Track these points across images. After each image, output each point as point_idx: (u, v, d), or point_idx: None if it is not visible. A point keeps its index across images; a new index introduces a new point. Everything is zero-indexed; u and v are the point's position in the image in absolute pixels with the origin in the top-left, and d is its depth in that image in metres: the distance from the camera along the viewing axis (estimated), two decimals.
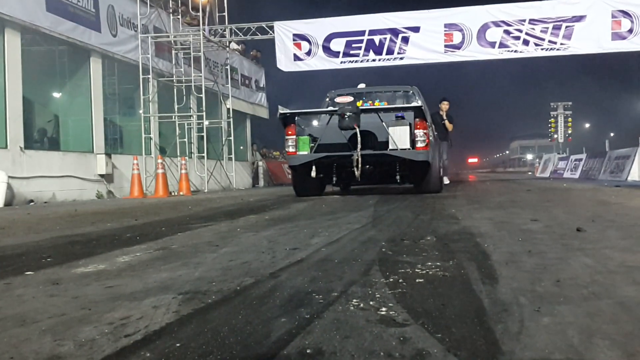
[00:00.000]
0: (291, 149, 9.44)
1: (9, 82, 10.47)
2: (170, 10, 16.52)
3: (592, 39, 15.85)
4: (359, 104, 10.29)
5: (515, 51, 16.10)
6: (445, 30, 16.26)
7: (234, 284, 2.27)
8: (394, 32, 16.23)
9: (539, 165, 33.07)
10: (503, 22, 16.05)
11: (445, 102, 14.65)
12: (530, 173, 39.19)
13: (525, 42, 16.02)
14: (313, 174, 9.22)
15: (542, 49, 16.02)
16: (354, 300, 1.97)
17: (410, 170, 9.57)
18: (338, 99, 9.16)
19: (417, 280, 2.28)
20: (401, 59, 16.30)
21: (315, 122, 10.58)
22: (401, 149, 8.99)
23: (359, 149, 8.74)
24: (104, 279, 2.48)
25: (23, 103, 10.81)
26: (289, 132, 9.39)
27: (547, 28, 15.90)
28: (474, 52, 16.30)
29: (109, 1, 13.54)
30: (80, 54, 12.78)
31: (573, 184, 14.15)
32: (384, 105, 10.20)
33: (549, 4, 16.07)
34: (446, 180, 14.40)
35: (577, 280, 2.23)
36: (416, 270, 2.50)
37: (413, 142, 9.02)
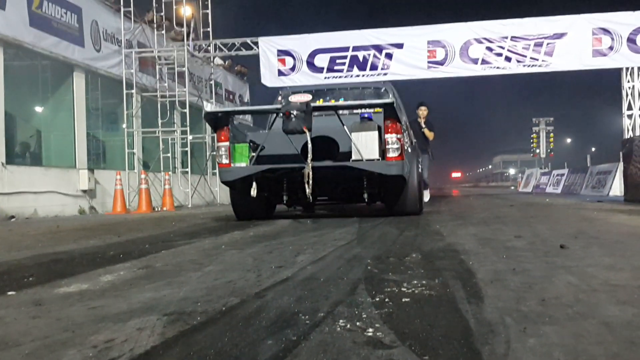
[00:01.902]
0: (224, 160, 7.32)
1: None
2: (155, 26, 16.51)
3: (573, 56, 16.10)
4: (320, 102, 8.91)
5: (498, 67, 16.30)
6: (428, 47, 16.44)
7: (219, 304, 2.25)
8: (378, 48, 16.37)
9: (522, 180, 33.33)
10: (485, 39, 16.26)
11: (424, 108, 12.70)
12: (512, 188, 39.50)
13: (507, 59, 16.24)
14: (253, 192, 7.03)
15: (524, 66, 16.24)
16: (341, 320, 1.96)
17: (380, 187, 7.62)
18: (293, 98, 7.06)
19: (403, 300, 2.28)
20: (385, 74, 16.41)
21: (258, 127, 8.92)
22: (367, 160, 6.95)
23: (309, 160, 6.62)
24: (87, 299, 2.45)
25: (5, 118, 10.73)
26: (221, 138, 7.33)
27: (529, 45, 16.13)
28: (456, 69, 16.48)
29: (92, 16, 13.51)
30: (64, 68, 12.72)
31: (555, 199, 14.28)
32: (345, 102, 8.47)
33: (530, 21, 16.31)
34: (426, 197, 12.35)
35: (561, 299, 2.24)
36: (402, 289, 2.50)
37: (383, 151, 7.01)
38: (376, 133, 7.01)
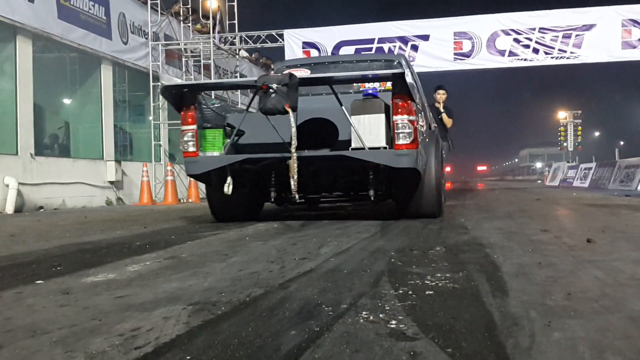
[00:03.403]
0: (190, 148, 5.84)
1: (20, 89, 10.54)
2: (181, 18, 16.61)
3: (602, 48, 15.85)
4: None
5: (525, 59, 16.12)
6: (454, 39, 16.31)
7: (243, 295, 2.27)
8: (404, 40, 16.28)
9: (549, 174, 32.94)
10: (513, 30, 16.08)
11: (442, 91, 11.25)
12: (539, 181, 39.08)
13: (535, 51, 16.04)
14: (227, 188, 5.63)
15: (552, 58, 16.04)
16: (364, 312, 1.97)
17: (389, 182, 6.12)
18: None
19: (426, 292, 2.27)
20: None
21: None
22: (371, 149, 5.50)
23: (293, 148, 5.21)
24: (114, 288, 2.48)
25: (34, 110, 10.89)
26: (187, 120, 5.84)
27: (557, 37, 15.91)
28: (483, 61, 16.33)
29: (120, 9, 13.62)
30: (91, 61, 12.86)
31: (583, 193, 14.10)
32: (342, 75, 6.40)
33: (559, 12, 16.09)
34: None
35: (587, 293, 2.21)
36: (426, 281, 2.50)
37: (392, 136, 5.53)
38: (382, 115, 5.56)
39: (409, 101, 5.45)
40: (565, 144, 44.03)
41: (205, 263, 3.20)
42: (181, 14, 16.65)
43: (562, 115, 44.65)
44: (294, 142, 5.22)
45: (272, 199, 6.25)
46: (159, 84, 5.95)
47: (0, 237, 5.15)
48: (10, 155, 10.25)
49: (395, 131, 5.45)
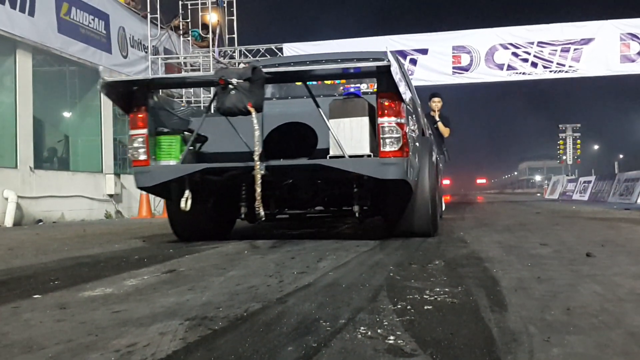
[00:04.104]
0: (140, 156, 5.05)
1: (20, 102, 10.56)
2: (181, 32, 16.67)
3: (600, 62, 15.92)
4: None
5: (524, 73, 16.18)
6: (453, 53, 16.37)
7: (240, 310, 2.26)
8: (402, 54, 16.32)
9: (548, 187, 32.97)
10: (511, 44, 16.16)
11: (437, 99, 10.58)
12: (539, 194, 39.09)
13: (534, 65, 16.10)
14: (184, 203, 4.86)
15: (550, 71, 16.10)
16: (362, 327, 1.96)
17: (376, 196, 5.27)
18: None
19: (425, 307, 2.26)
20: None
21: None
22: (352, 157, 4.73)
23: (256, 155, 4.47)
24: (111, 303, 2.47)
25: (34, 123, 10.90)
26: (138, 123, 5.03)
27: (556, 50, 15.98)
28: (482, 74, 16.38)
29: (120, 23, 13.68)
30: (91, 74, 12.90)
31: (582, 207, 14.09)
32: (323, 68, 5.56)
33: (557, 26, 16.17)
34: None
35: (587, 308, 2.20)
36: (424, 296, 2.49)
37: (376, 142, 4.75)
38: (365, 118, 4.79)
39: (397, 101, 4.69)
40: (564, 157, 44.05)
41: (203, 277, 3.18)
42: (181, 27, 16.71)
43: (561, 128, 44.73)
44: (258, 149, 4.48)
45: (243, 216, 5.35)
46: (99, 80, 4.95)
47: None
48: (9, 168, 10.25)
49: (381, 136, 4.68)
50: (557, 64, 16.01)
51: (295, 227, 7.38)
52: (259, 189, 4.47)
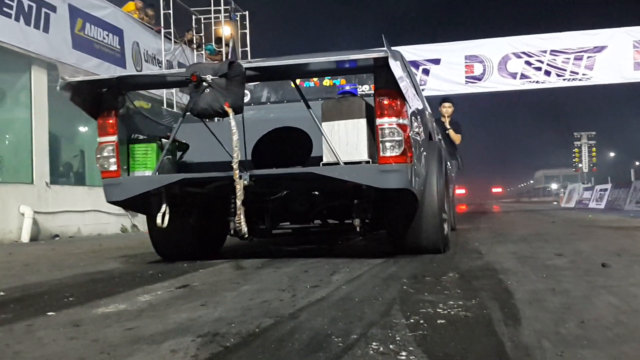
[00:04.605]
0: (110, 166, 4.58)
1: (36, 118, 10.67)
2: (194, 46, 16.79)
3: (614, 69, 15.84)
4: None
5: (537, 82, 16.13)
6: (466, 62, 16.36)
7: (252, 326, 2.25)
8: (414, 64, 16.34)
9: (564, 195, 32.72)
10: (524, 53, 16.12)
11: (448, 104, 10.01)
12: (555, 203, 38.80)
13: (547, 73, 16.05)
14: (159, 219, 4.39)
15: (564, 80, 16.04)
16: (374, 343, 1.95)
17: (377, 208, 4.74)
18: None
19: (438, 322, 2.25)
20: (422, 90, 16.37)
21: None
22: (348, 164, 4.21)
23: (235, 163, 4.00)
24: (124, 320, 2.48)
25: (49, 139, 11.00)
26: (107, 130, 4.58)
27: (569, 59, 15.92)
28: (495, 83, 16.36)
29: (134, 38, 13.80)
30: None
31: (598, 215, 13.97)
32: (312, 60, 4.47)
33: (570, 35, 16.13)
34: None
35: (601, 321, 2.18)
36: (438, 310, 2.47)
37: (375, 147, 4.23)
38: (362, 120, 4.25)
39: (398, 99, 4.16)
40: (580, 165, 43.70)
41: (216, 292, 3.19)
42: (194, 41, 16.83)
43: (576, 136, 44.42)
44: (236, 156, 3.99)
45: (232, 231, 4.80)
46: (59, 80, 4.41)
47: (15, 266, 5.17)
48: (25, 184, 10.34)
49: (380, 139, 4.15)
50: (571, 72, 15.94)
51: (308, 241, 7.00)
52: (239, 202, 4.05)
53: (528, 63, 16.12)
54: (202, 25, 17.21)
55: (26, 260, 5.71)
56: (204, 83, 3.98)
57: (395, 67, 3.98)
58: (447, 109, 9.93)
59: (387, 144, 4.15)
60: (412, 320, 2.27)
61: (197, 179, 4.49)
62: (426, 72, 16.50)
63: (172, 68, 15.38)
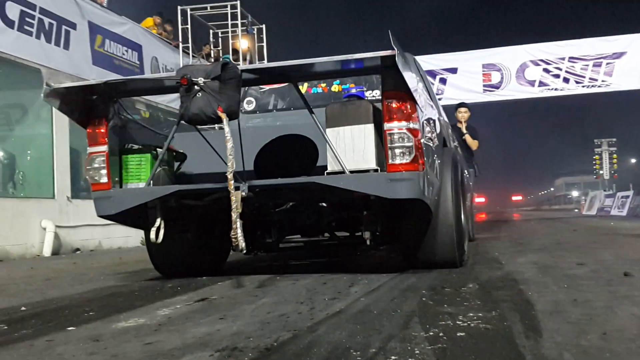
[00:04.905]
0: (101, 178, 4.31)
1: (57, 133, 10.80)
2: (212, 59, 16.92)
3: (633, 75, 15.70)
4: (302, 88, 5.58)
5: (556, 89, 16.02)
6: (483, 71, 16.30)
7: (271, 339, 2.25)
8: (432, 73, 16.29)
9: (585, 203, 32.38)
10: (542, 60, 16.03)
11: (464, 109, 9.81)
12: (576, 210, 38.41)
13: (566, 80, 15.94)
14: (153, 234, 4.18)
15: (583, 87, 15.92)
16: (392, 357, 1.93)
17: (387, 220, 4.47)
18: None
19: (458, 334, 2.23)
20: (439, 99, 16.33)
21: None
22: (354, 172, 3.96)
23: (229, 172, 3.66)
24: (143, 334, 2.49)
25: (70, 153, 11.12)
26: (98, 140, 4.33)
27: (588, 65, 15.80)
28: (513, 91, 16.27)
29: (152, 53, 13.95)
30: (126, 104, 13.13)
31: (620, 223, 13.80)
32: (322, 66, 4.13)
33: (588, 41, 16.02)
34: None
35: (624, 332, 2.15)
36: (457, 322, 2.45)
37: (384, 154, 3.93)
38: (370, 126, 3.99)
39: (408, 102, 3.88)
40: (601, 172, 43.28)
41: (235, 305, 3.19)
42: (212, 55, 16.96)
43: (597, 143, 43.99)
44: (231, 165, 3.66)
45: (232, 246, 4.13)
46: (44, 87, 4.05)
47: (36, 281, 5.22)
48: (47, 198, 10.46)
49: (389, 146, 3.86)
50: (590, 78, 15.82)
51: (320, 255, 6.57)
52: (234, 215, 3.72)
53: (546, 70, 16.02)
54: (220, 39, 17.33)
55: (47, 275, 5.77)
56: (196, 87, 3.68)
57: (404, 67, 3.70)
58: (463, 114, 9.72)
59: (397, 151, 3.86)
60: (431, 333, 2.26)
61: (192, 191, 4.30)
62: (443, 81, 16.46)
63: None
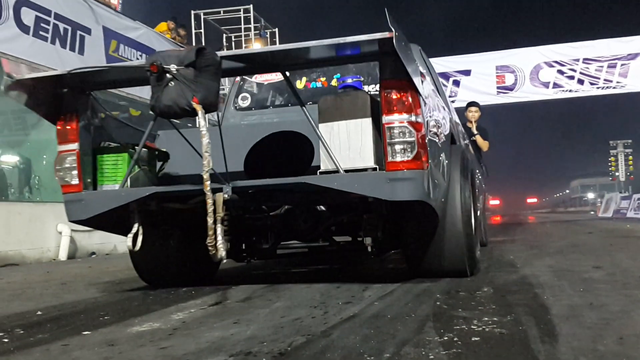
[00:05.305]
0: (72, 179, 3.94)
1: None
2: None
3: None
4: (300, 84, 5.49)
5: (570, 91, 15.93)
6: (497, 72, 16.24)
7: (284, 344, 2.25)
8: (445, 76, 16.23)
9: (601, 205, 32.11)
10: (556, 62, 15.94)
11: (474, 108, 9.28)
12: (592, 213, 38.11)
13: (580, 82, 15.84)
14: (129, 240, 3.81)
15: (597, 88, 15.82)
16: None
17: (389, 225, 4.07)
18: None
19: (472, 339, 2.21)
20: (452, 102, 16.27)
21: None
22: (349, 171, 3.56)
23: (205, 172, 3.32)
24: (158, 339, 2.50)
25: None
26: (68, 137, 3.94)
27: (602, 67, 15.69)
28: (527, 93, 16.20)
29: None
30: (141, 108, 13.21)
31: (637, 225, 13.67)
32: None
33: (603, 42, 15.93)
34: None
35: None
36: (472, 326, 2.44)
37: (382, 151, 3.51)
38: (368, 120, 3.56)
39: (410, 91, 3.44)
40: (616, 174, 42.94)
41: (248, 309, 3.20)
42: None
43: (612, 144, 43.66)
44: (207, 163, 3.29)
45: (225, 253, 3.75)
46: (4, 79, 3.78)
47: (52, 285, 5.25)
48: (62, 203, 10.53)
49: (388, 141, 3.44)
50: (604, 80, 15.70)
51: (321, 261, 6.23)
52: (210, 220, 3.34)
53: (560, 72, 15.93)
54: (233, 43, 17.43)
55: (63, 279, 5.80)
56: (168, 75, 3.27)
57: (404, 51, 3.28)
58: (473, 113, 9.20)
59: (397, 147, 3.44)
60: (445, 338, 2.25)
61: (171, 193, 3.83)
62: (456, 83, 16.41)
63: None
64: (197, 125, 3.31)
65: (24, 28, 9.53)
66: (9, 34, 9.27)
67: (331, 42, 3.41)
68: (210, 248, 3.38)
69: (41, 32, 9.93)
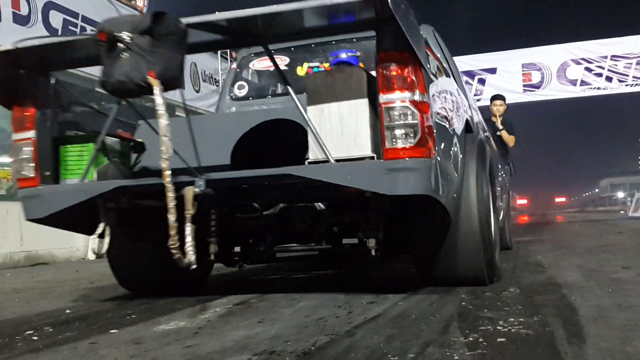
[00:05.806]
0: (29, 172, 3.34)
1: None
2: None
3: None
4: (301, 70, 4.97)
5: (598, 88, 15.71)
6: (523, 70, 16.08)
7: (308, 344, 2.25)
8: (470, 74, 16.13)
9: (631, 204, 31.58)
10: (584, 59, 15.74)
11: (499, 102, 8.58)
12: (622, 212, 37.52)
13: (608, 79, 15.62)
14: (93, 242, 3.38)
15: (626, 85, 15.58)
16: None
17: (390, 224, 3.52)
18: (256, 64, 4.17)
19: (498, 340, 2.19)
20: (478, 100, 16.16)
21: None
22: (340, 161, 2.95)
23: (164, 161, 2.77)
24: (183, 337, 2.52)
25: None
26: (25, 124, 3.32)
27: (631, 64, 15.45)
28: (554, 91, 16.01)
29: (192, 59, 14.11)
30: (166, 110, 13.32)
31: None
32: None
33: (631, 39, 15.69)
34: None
35: None
36: (498, 327, 2.41)
37: (381, 136, 2.89)
38: (364, 101, 2.99)
39: (411, 65, 2.87)
40: None
41: (273, 308, 3.20)
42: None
43: None
44: (165, 149, 2.79)
45: (212, 256, 3.61)
46: None
47: (81, 284, 5.33)
48: None
49: (386, 124, 2.88)
50: (633, 77, 15.46)
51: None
52: (172, 218, 2.81)
53: (588, 69, 15.72)
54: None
55: (92, 278, 5.88)
56: (120, 45, 2.76)
57: (404, 18, 2.69)
58: (498, 107, 8.52)
59: (397, 131, 2.87)
60: (471, 339, 2.23)
61: (138, 187, 3.26)
62: (482, 81, 16.28)
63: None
64: (155, 105, 2.83)
65: (52, 31, 9.66)
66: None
67: (313, 4, 2.78)
68: (174, 251, 2.86)
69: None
